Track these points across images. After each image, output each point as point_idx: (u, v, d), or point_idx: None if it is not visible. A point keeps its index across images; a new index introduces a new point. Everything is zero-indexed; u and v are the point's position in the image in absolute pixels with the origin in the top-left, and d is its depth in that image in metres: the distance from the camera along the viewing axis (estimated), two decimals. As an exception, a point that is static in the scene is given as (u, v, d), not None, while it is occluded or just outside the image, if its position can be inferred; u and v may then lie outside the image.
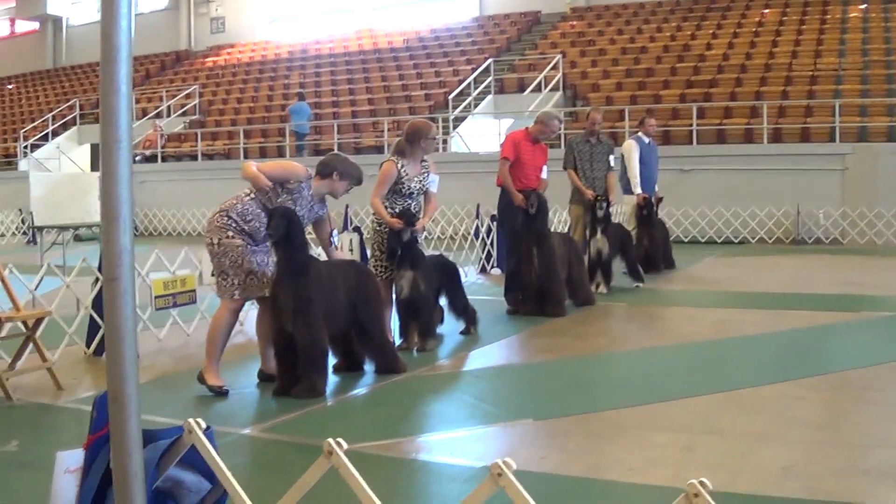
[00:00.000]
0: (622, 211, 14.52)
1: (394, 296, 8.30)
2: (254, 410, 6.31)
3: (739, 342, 8.52)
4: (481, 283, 13.37)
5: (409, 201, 8.37)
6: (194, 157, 28.45)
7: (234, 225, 6.74)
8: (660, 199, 14.16)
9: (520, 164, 10.31)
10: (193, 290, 8.85)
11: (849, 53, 24.35)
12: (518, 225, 10.13)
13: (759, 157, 20.39)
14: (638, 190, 13.38)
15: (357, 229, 10.53)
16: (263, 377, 6.95)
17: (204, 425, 3.14)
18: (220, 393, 6.63)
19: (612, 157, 12.33)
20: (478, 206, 18.75)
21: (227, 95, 33.22)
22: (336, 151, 7.57)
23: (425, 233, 9.01)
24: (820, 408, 6.03)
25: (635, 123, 21.90)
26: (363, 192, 21.18)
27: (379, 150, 25.15)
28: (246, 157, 26.85)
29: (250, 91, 32.92)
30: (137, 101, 34.39)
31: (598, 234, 11.70)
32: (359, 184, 7.16)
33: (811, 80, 23.21)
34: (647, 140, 13.62)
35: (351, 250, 10.62)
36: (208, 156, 28.69)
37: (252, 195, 6.76)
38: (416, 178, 8.36)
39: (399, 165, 8.28)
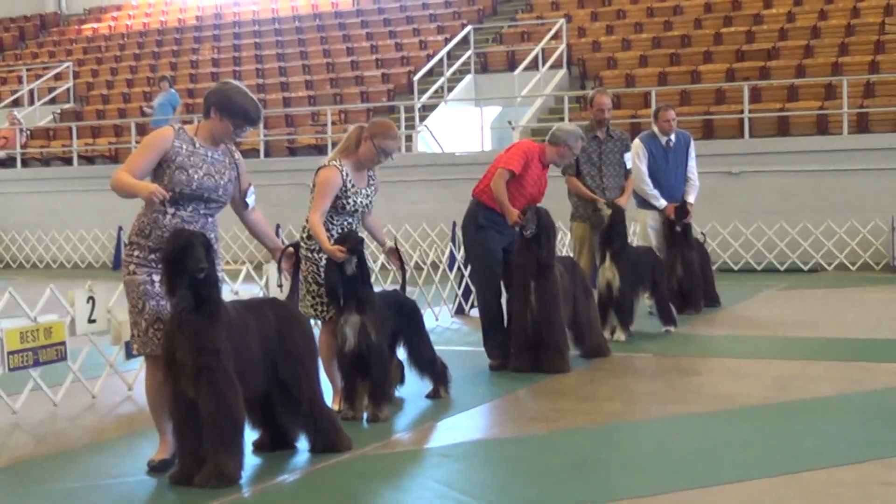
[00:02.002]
0: (636, 231, 14.61)
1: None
2: (142, 506, 6.31)
3: (806, 406, 8.57)
4: (457, 329, 13.44)
5: (351, 220, 8.47)
6: (68, 161, 28.48)
7: (136, 253, 6.85)
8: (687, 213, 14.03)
9: (521, 183, 10.39)
10: (63, 343, 8.83)
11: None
12: (498, 253, 10.27)
13: (836, 153, 20.53)
14: (662, 202, 13.47)
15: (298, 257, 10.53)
16: (158, 464, 6.93)
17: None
18: (160, 468, 6.80)
19: (627, 157, 12.43)
20: (453, 225, 18.86)
21: (113, 77, 33.27)
22: (225, 80, 7.53)
23: (375, 263, 9.07)
24: (916, 497, 6.10)
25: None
26: (298, 206, 21.26)
27: (320, 150, 25.23)
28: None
29: (144, 70, 32.97)
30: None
31: (608, 261, 11.76)
32: (251, 123, 7.04)
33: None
34: (663, 139, 13.67)
35: (280, 285, 10.65)
36: (87, 158, 28.71)
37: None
38: (363, 192, 8.45)
39: (344, 173, 8.35)
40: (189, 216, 6.84)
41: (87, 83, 33.19)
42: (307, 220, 8.40)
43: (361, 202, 8.45)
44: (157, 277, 6.70)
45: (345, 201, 8.36)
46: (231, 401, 6.44)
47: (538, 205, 10.27)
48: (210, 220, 7.00)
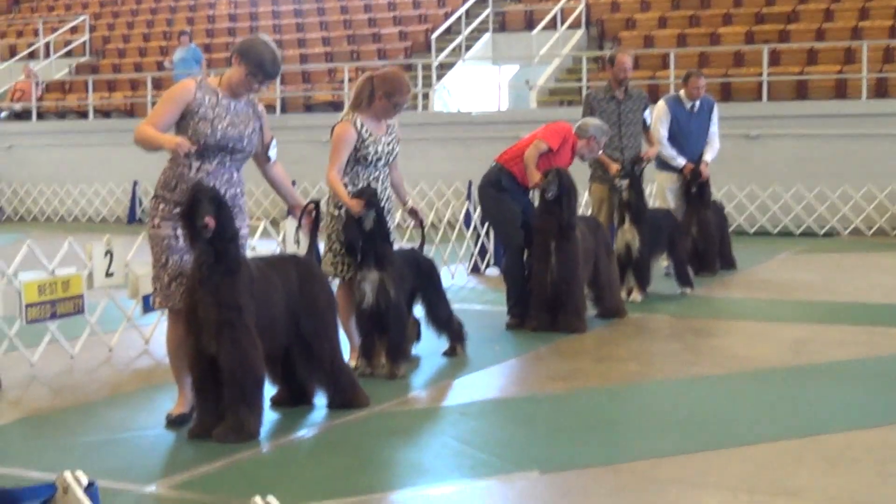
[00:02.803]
0: (653, 192, 14.58)
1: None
2: (161, 460, 6.33)
3: (823, 370, 8.59)
4: (472, 288, 13.46)
5: (377, 172, 8.45)
6: (83, 114, 28.44)
7: (161, 206, 6.87)
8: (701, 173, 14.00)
9: (550, 161, 10.41)
10: (81, 297, 8.86)
11: None
12: (512, 209, 10.37)
13: (855, 117, 20.44)
14: (680, 160, 13.40)
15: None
16: (176, 417, 6.96)
17: (85, 480, 3.08)
18: (178, 422, 6.84)
19: (646, 113, 12.41)
20: (469, 185, 18.78)
21: (130, 31, 33.18)
22: (257, 34, 7.55)
23: (395, 219, 9.07)
24: (934, 461, 6.11)
25: (684, 75, 22.14)
26: (315, 163, 21.21)
27: (337, 106, 25.14)
28: (154, 114, 26.75)
29: (161, 25, 32.89)
30: (2, 36, 34.34)
31: (627, 223, 11.77)
32: (264, 73, 6.97)
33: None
34: (688, 104, 13.61)
35: (297, 242, 10.68)
36: (103, 112, 28.68)
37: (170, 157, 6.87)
38: (382, 140, 8.44)
39: (358, 124, 8.35)
40: (214, 169, 6.84)
41: (104, 37, 33.09)
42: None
43: (383, 150, 8.43)
44: (181, 232, 6.71)
45: (364, 152, 8.34)
46: (252, 357, 6.47)
47: (559, 168, 10.27)
48: (236, 174, 6.99)
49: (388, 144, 8.49)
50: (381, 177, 8.49)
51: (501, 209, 10.58)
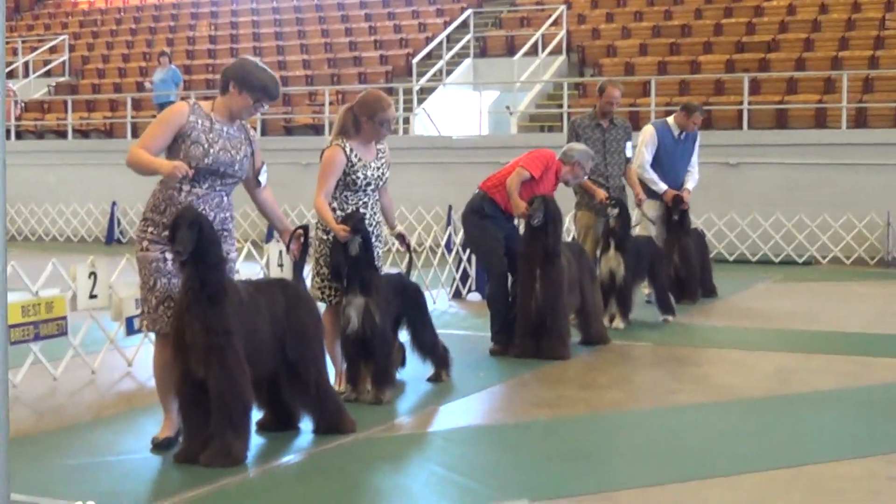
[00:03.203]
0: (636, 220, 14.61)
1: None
2: (147, 484, 6.30)
3: (808, 400, 8.60)
4: (454, 313, 13.45)
5: (366, 198, 8.45)
6: (62, 134, 28.41)
7: (150, 229, 6.84)
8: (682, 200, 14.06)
9: (533, 189, 10.45)
10: (64, 318, 8.83)
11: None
12: (495, 236, 10.41)
13: (834, 146, 20.50)
14: (662, 185, 13.44)
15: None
16: (162, 441, 6.93)
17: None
18: (164, 446, 6.80)
19: (628, 144, 12.45)
20: (449, 209, 18.83)
21: (109, 51, 33.18)
22: (242, 56, 7.54)
23: (384, 245, 9.07)
24: (923, 494, 6.13)
25: (665, 102, 22.28)
26: (294, 186, 21.20)
27: (317, 129, 25.22)
28: (136, 134, 26.71)
29: (141, 45, 32.88)
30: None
31: (612, 250, 11.79)
32: (270, 97, 7.03)
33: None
34: (677, 132, 13.66)
35: (280, 265, 10.67)
36: (82, 132, 28.66)
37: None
38: (372, 164, 8.44)
39: (347, 149, 8.35)
40: (205, 193, 6.82)
41: (83, 56, 33.08)
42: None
43: (372, 175, 8.44)
44: (169, 255, 6.69)
45: (354, 177, 8.35)
46: (240, 381, 6.46)
47: (544, 195, 10.29)
48: (226, 198, 6.98)
49: (378, 169, 8.49)
50: (370, 202, 8.49)
51: (485, 236, 10.59)
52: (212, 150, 6.80)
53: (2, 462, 2.91)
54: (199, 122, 6.84)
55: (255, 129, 24.72)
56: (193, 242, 6.35)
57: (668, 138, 13.57)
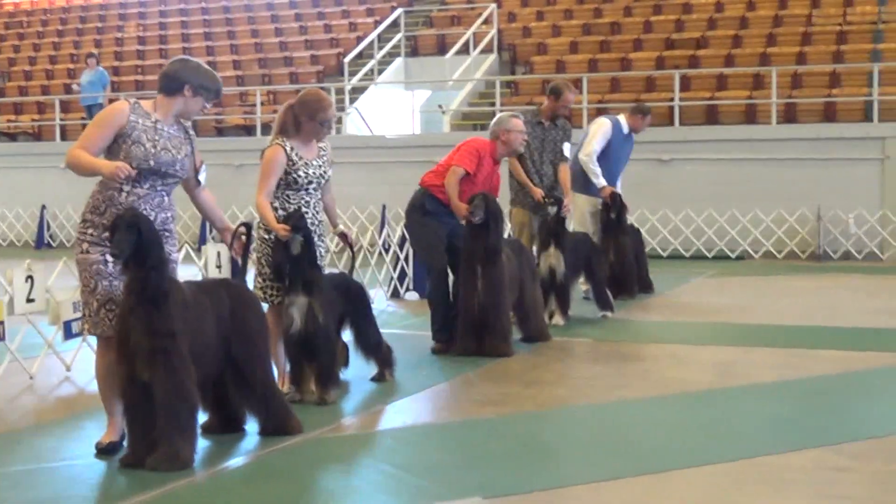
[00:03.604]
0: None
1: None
2: (93, 490, 6.20)
3: (750, 392, 8.65)
4: (393, 312, 13.42)
5: (308, 197, 8.40)
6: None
7: (90, 231, 6.71)
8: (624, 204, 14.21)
9: (472, 181, 10.44)
10: (2, 323, 8.67)
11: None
12: (445, 237, 10.30)
13: (764, 142, 20.75)
14: (601, 181, 13.47)
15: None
16: (107, 446, 6.80)
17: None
18: (109, 451, 6.68)
19: (567, 145, 12.46)
20: (383, 209, 18.82)
21: (36, 53, 32.80)
22: (182, 57, 7.45)
23: (327, 246, 9.00)
24: (871, 483, 6.13)
25: (597, 100, 22.36)
26: (227, 187, 21.01)
27: (248, 130, 25.08)
28: (64, 137, 26.48)
29: (68, 47, 32.52)
30: None
31: (552, 248, 11.78)
32: (217, 97, 7.09)
33: (839, 38, 23.73)
34: (626, 130, 13.79)
35: (219, 266, 10.55)
36: (9, 135, 28.28)
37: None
38: (314, 163, 8.38)
39: (288, 147, 8.29)
40: (145, 193, 6.72)
41: (9, 59, 32.70)
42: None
43: (314, 174, 8.40)
44: (109, 257, 6.58)
45: (295, 175, 8.29)
46: (186, 384, 6.36)
47: (484, 192, 10.25)
48: (167, 198, 6.88)
49: (320, 167, 8.43)
50: (312, 201, 8.43)
51: (426, 233, 10.56)
52: (153, 151, 6.70)
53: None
54: (140, 121, 6.73)
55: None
56: (132, 245, 6.23)
57: (618, 134, 13.72)
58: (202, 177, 7.15)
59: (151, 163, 6.68)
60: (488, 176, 10.60)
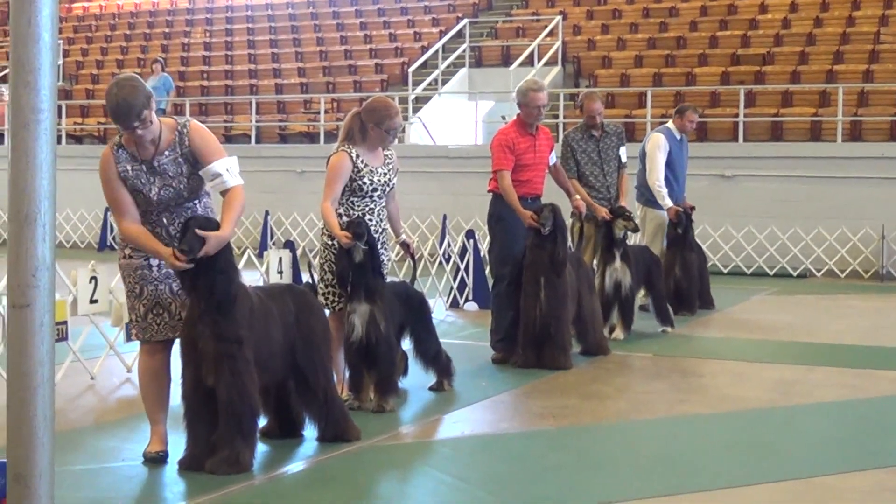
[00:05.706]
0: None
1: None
2: (152, 491, 6.28)
3: (812, 412, 8.61)
4: (452, 322, 13.43)
5: (372, 204, 8.43)
6: (56, 139, 28.18)
7: None
8: (692, 209, 14.21)
9: (520, 167, 10.39)
10: (65, 323, 8.76)
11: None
12: (518, 247, 10.25)
13: (829, 160, 20.53)
14: (668, 202, 13.43)
15: (290, 245, 10.52)
16: (155, 455, 6.76)
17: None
18: (158, 460, 6.67)
19: (622, 150, 12.36)
20: (444, 219, 18.80)
21: (104, 56, 33.10)
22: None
23: (391, 253, 9.02)
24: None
25: (660, 114, 22.26)
26: (289, 193, 21.06)
27: (312, 137, 25.16)
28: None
29: (135, 51, 32.82)
30: (-22, 61, 34.17)
31: (617, 262, 11.73)
32: (115, 120, 6.67)
33: (907, 55, 23.51)
34: (678, 136, 13.76)
35: (280, 272, 10.62)
36: (76, 137, 28.58)
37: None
38: (379, 170, 8.41)
39: (353, 155, 8.32)
40: (169, 218, 6.68)
41: (77, 62, 33.02)
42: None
43: (379, 181, 8.42)
44: (154, 262, 6.59)
45: (360, 182, 8.32)
46: (250, 390, 6.43)
47: (553, 203, 10.22)
48: (199, 207, 6.77)
49: (385, 175, 8.46)
50: (377, 208, 8.46)
51: (495, 242, 10.61)
52: (152, 193, 6.57)
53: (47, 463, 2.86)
54: (130, 168, 6.59)
55: (249, 136, 25.16)
56: (202, 246, 6.23)
57: (673, 143, 13.68)
58: (219, 180, 6.55)
59: (155, 203, 6.59)
60: (532, 149, 10.52)
